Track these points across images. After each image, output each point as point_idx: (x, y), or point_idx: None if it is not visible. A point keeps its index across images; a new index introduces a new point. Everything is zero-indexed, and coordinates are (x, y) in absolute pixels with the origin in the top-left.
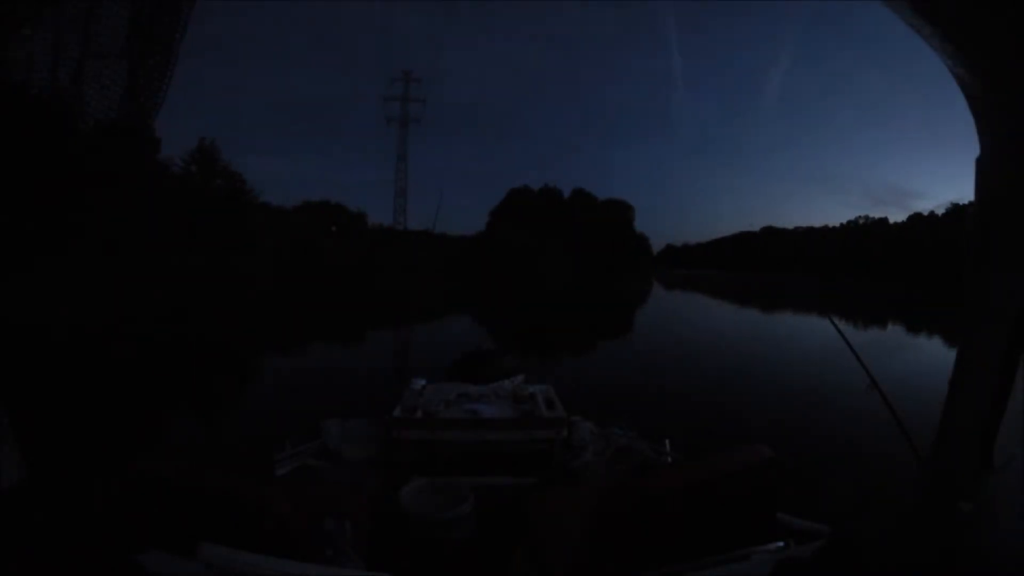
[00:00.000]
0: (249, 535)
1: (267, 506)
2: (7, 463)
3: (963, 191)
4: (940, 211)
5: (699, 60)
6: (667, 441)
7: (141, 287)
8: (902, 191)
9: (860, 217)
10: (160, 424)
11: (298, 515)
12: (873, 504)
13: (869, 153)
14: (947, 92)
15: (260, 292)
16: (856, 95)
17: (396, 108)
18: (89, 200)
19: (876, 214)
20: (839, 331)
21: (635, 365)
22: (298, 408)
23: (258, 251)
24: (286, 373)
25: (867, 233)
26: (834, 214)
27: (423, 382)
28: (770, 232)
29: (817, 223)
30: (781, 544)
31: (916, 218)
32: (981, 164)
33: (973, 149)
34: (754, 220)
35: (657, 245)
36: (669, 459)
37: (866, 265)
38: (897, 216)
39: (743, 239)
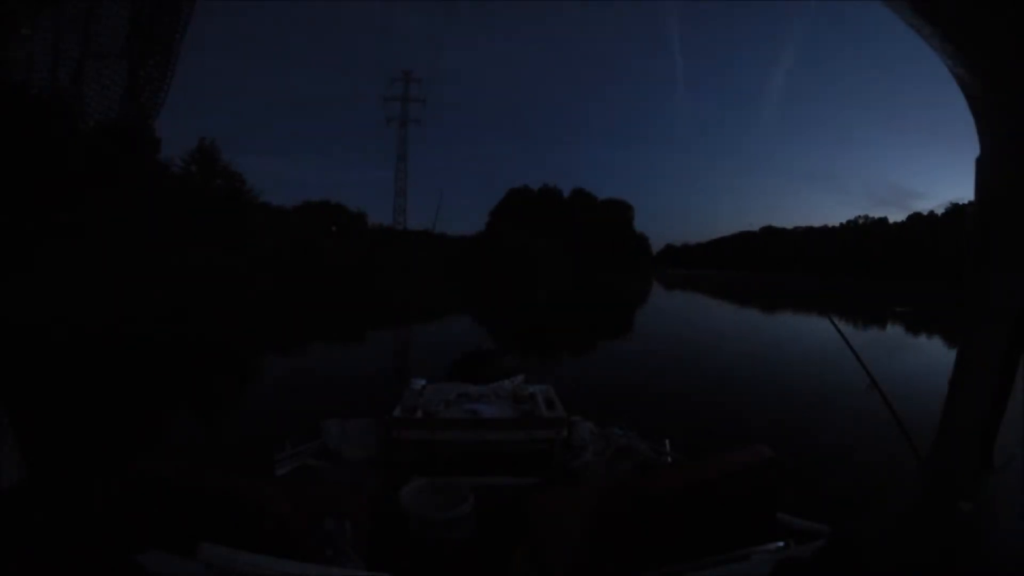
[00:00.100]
0: (249, 535)
1: (267, 506)
2: (7, 463)
3: (963, 191)
4: (940, 211)
5: (700, 60)
6: (667, 441)
7: (141, 287)
8: (902, 191)
9: (860, 217)
10: (160, 424)
11: (298, 515)
12: (873, 504)
13: (869, 153)
14: (947, 92)
15: (260, 292)
16: (856, 95)
17: (396, 108)
18: (89, 200)
19: (876, 214)
20: (839, 331)
21: (635, 365)
22: (298, 408)
23: (258, 251)
24: (286, 373)
25: (867, 233)
26: (834, 214)
27: (423, 382)
28: (770, 232)
29: (817, 223)
30: (781, 544)
31: (916, 218)
32: (981, 164)
33: (973, 149)
34: (754, 220)
35: (657, 245)
36: (669, 459)
37: (866, 265)
38: (897, 216)
39: (743, 239)
